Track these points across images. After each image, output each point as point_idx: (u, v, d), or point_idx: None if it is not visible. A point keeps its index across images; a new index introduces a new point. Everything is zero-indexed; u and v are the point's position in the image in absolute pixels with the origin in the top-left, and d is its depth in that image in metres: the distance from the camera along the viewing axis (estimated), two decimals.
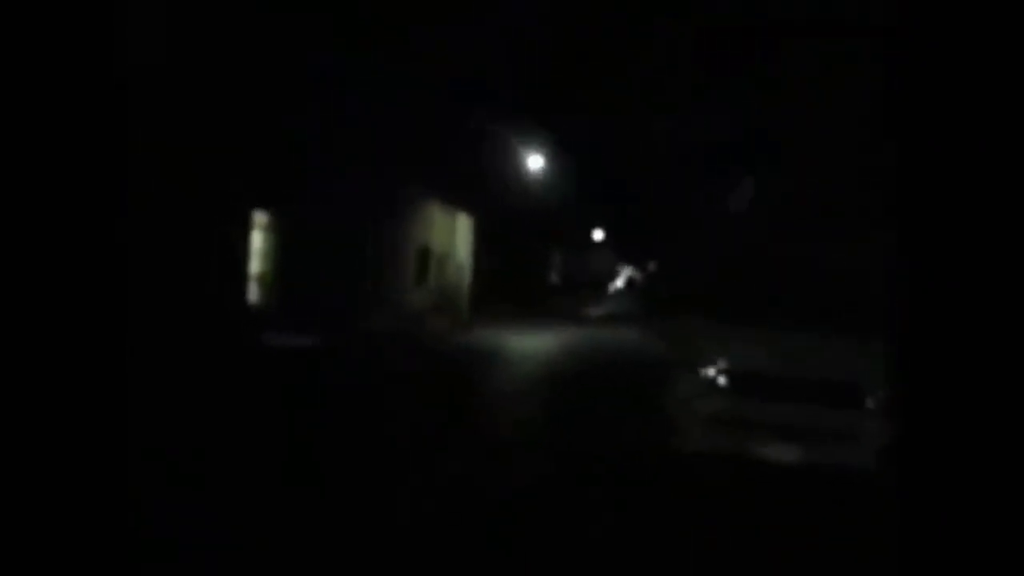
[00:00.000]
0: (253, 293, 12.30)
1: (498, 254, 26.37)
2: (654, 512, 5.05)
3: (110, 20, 2.09)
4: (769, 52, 13.44)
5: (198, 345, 9.49)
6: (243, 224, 11.68)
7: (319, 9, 12.19)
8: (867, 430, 5.54)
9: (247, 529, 4.15)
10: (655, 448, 6.38)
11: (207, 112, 9.87)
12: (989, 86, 1.93)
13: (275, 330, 12.43)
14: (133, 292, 2.64)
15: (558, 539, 4.38)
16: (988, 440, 1.90)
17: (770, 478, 5.63)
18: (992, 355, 1.90)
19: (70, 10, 2.04)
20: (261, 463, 5.47)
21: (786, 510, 5.22)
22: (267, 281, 12.75)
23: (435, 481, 5.31)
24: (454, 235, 22.07)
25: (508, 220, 25.90)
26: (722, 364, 5.84)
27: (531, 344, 15.63)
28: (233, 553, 3.81)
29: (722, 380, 5.80)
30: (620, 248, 53.30)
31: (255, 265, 12.35)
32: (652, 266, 48.27)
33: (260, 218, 12.41)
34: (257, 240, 12.40)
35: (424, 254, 18.70)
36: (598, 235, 43.15)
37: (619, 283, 63.44)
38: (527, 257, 29.54)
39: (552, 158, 23.03)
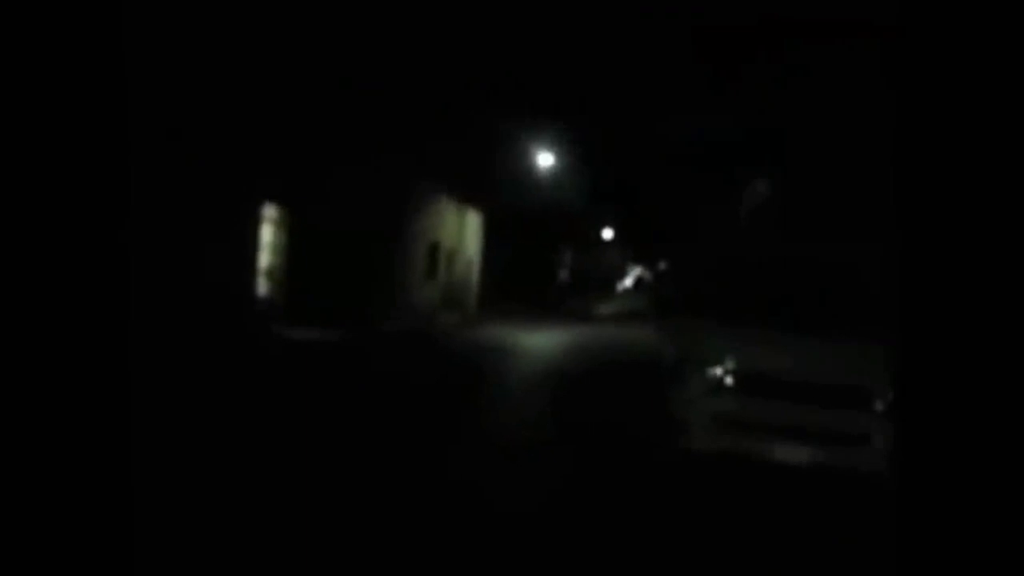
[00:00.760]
0: (262, 286, 12.34)
1: (508, 251, 26.39)
2: (654, 512, 5.04)
3: (119, 13, 2.10)
4: (783, 52, 13.39)
5: (202, 336, 9.53)
6: (252, 217, 11.72)
7: (333, 5, 12.21)
8: (875, 433, 5.52)
9: (247, 529, 4.16)
10: (663, 447, 6.36)
11: (218, 106, 9.90)
12: (990, 86, 1.91)
13: (284, 323, 12.48)
14: (139, 281, 2.64)
15: (558, 539, 4.39)
16: (988, 440, 1.89)
17: (778, 481, 5.61)
18: (992, 355, 1.88)
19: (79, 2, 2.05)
20: (268, 458, 5.48)
21: (792, 512, 5.20)
22: (277, 275, 12.80)
23: (447, 478, 5.32)
24: (464, 231, 22.07)
25: (518, 217, 25.92)
26: (730, 364, 5.83)
27: (539, 341, 15.61)
28: (233, 553, 3.80)
29: (729, 380, 5.79)
30: (630, 247, 53.21)
31: (265, 259, 12.39)
32: (662, 265, 48.18)
33: (270, 212, 12.44)
34: (267, 234, 12.44)
35: (434, 250, 18.71)
36: (608, 234, 43.08)
37: (628, 282, 63.37)
38: (536, 254, 29.55)
39: (563, 156, 23.00)
